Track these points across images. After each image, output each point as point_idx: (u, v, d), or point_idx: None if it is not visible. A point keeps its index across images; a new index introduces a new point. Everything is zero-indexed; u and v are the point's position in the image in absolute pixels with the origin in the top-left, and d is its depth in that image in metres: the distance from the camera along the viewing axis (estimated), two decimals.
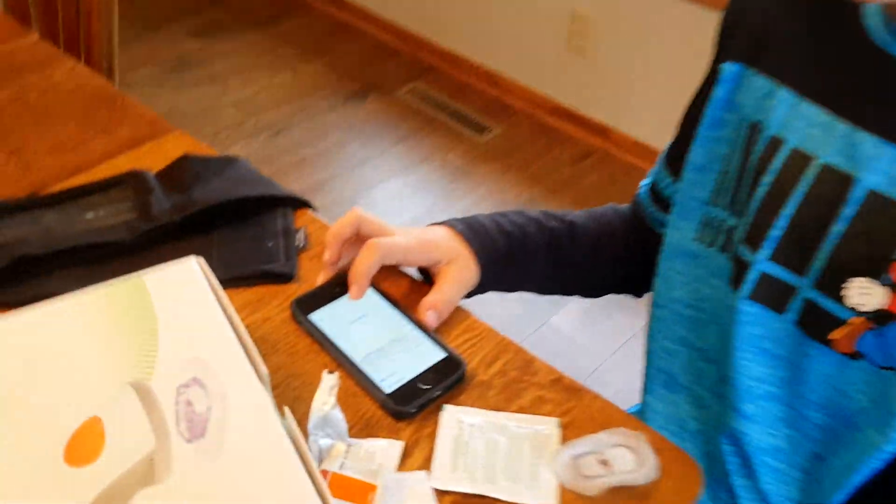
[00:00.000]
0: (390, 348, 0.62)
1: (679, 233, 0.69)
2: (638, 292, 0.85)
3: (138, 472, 0.47)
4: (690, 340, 0.71)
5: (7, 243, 0.70)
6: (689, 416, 0.72)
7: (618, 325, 1.78)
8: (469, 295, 0.70)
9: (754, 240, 0.61)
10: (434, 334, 0.63)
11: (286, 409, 0.50)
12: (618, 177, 2.19)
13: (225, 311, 0.56)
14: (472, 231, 0.70)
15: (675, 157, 0.74)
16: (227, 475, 0.47)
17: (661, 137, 2.21)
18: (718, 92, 0.65)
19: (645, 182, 0.80)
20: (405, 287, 0.70)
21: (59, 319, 0.55)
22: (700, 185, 0.67)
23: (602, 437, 0.58)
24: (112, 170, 0.81)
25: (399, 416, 0.59)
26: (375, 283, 0.67)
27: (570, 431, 0.59)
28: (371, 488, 0.55)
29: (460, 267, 0.68)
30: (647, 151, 2.19)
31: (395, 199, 2.12)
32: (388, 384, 0.60)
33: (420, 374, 0.60)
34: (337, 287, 0.67)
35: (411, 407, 0.59)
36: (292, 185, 2.10)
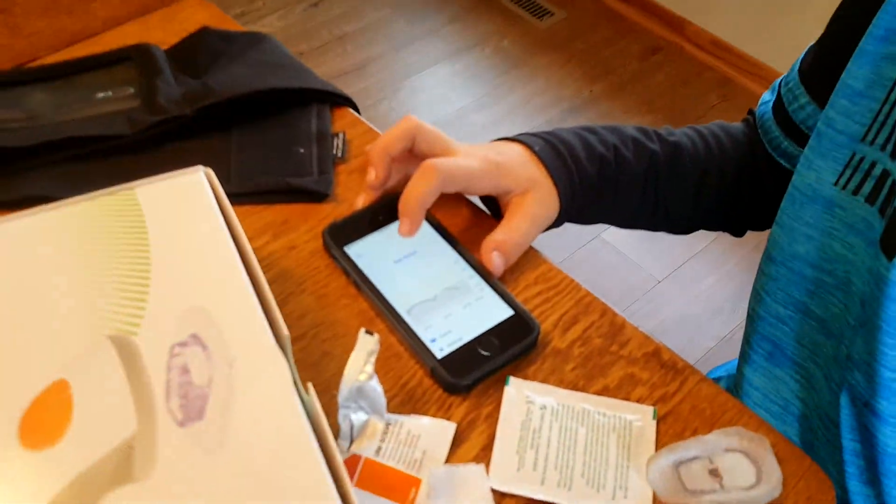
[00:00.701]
0: (444, 299, 0.49)
1: (814, 173, 0.53)
2: (739, 231, 0.70)
3: (113, 463, 0.36)
4: (809, 307, 0.56)
5: None
6: (793, 395, 0.59)
7: (674, 246, 1.63)
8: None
9: None
10: (500, 284, 0.50)
11: (310, 386, 0.38)
12: (690, 77, 1.98)
13: (238, 242, 0.44)
14: (554, 154, 0.55)
15: (817, 71, 0.57)
16: (226, 474, 0.36)
17: (743, 36, 1.98)
18: None
19: (767, 98, 0.63)
20: (465, 219, 0.56)
21: (23, 241, 0.43)
22: (852, 115, 0.50)
23: (713, 438, 0.45)
24: (117, 40, 0.67)
25: (451, 390, 0.47)
26: (428, 213, 0.54)
27: (668, 425, 0.46)
28: (414, 482, 0.43)
29: (537, 200, 0.53)
30: (726, 51, 1.96)
31: (441, 86, 1.94)
32: (440, 347, 0.47)
33: (480, 336, 0.48)
34: (381, 214, 0.53)
35: (467, 379, 0.46)
36: (329, 64, 1.93)
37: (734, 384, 0.65)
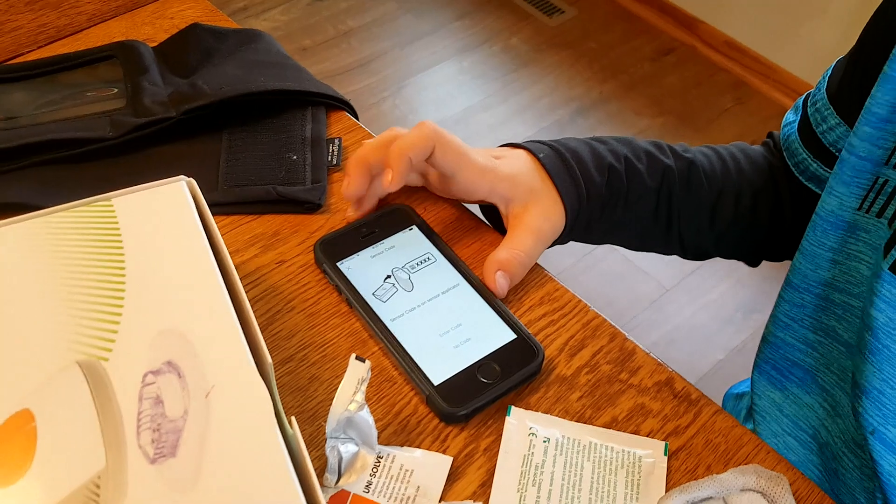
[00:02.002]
0: (441, 315, 0.46)
1: (836, 200, 0.50)
2: (754, 261, 0.67)
3: (78, 503, 0.33)
4: (838, 331, 0.53)
5: None
6: (820, 424, 0.56)
7: None
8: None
9: None
10: (502, 305, 0.47)
11: (293, 420, 0.35)
12: (703, 78, 1.94)
13: (220, 259, 0.41)
14: (559, 162, 0.52)
15: (846, 90, 0.53)
16: None
17: (758, 37, 1.94)
18: None
19: (791, 118, 0.59)
20: (466, 234, 0.52)
21: None
22: (876, 141, 0.47)
23: (728, 477, 0.42)
24: (103, 37, 0.64)
25: (448, 420, 0.43)
26: (429, 227, 0.51)
27: (680, 460, 0.43)
28: None
29: (540, 213, 0.50)
30: (740, 52, 1.92)
31: (448, 84, 1.90)
32: (437, 372, 0.44)
33: (480, 361, 0.44)
34: (377, 227, 0.50)
35: (465, 408, 0.43)
36: (333, 60, 1.90)
37: (750, 406, 0.62)
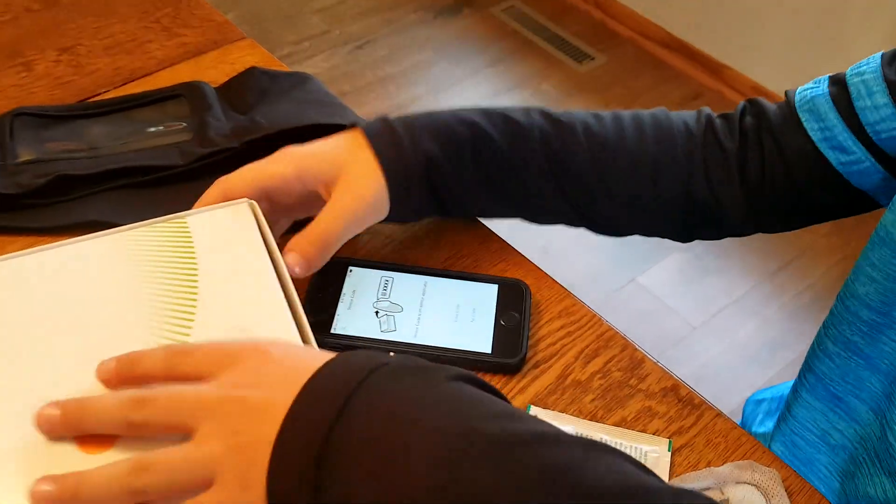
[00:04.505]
0: (440, 308, 0.53)
1: (892, 215, 0.50)
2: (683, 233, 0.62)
3: None
4: (859, 346, 0.55)
5: (48, 158, 0.62)
6: (832, 427, 0.59)
7: (712, 290, 1.63)
8: (403, 220, 0.54)
9: None
10: (466, 273, 0.55)
11: None
12: None
13: (279, 271, 0.47)
14: (385, 128, 0.51)
15: None
16: None
17: (783, 81, 1.99)
18: None
19: (811, 87, 0.56)
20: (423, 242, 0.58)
21: (83, 262, 0.46)
22: None
23: (724, 471, 0.46)
24: (171, 79, 0.71)
25: (513, 370, 0.51)
26: (358, 258, 0.56)
27: (683, 457, 0.48)
28: None
29: (348, 185, 0.49)
30: (766, 96, 1.97)
31: None
32: (481, 344, 0.51)
33: (498, 316, 0.52)
34: (329, 285, 0.54)
35: (520, 354, 0.50)
36: (372, 104, 1.99)
37: (768, 409, 0.65)
